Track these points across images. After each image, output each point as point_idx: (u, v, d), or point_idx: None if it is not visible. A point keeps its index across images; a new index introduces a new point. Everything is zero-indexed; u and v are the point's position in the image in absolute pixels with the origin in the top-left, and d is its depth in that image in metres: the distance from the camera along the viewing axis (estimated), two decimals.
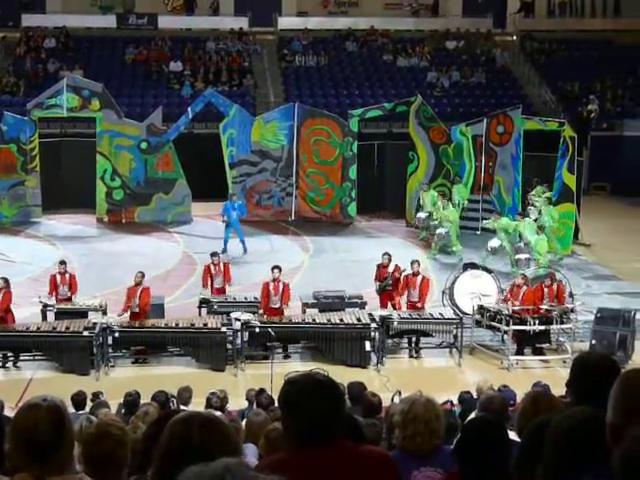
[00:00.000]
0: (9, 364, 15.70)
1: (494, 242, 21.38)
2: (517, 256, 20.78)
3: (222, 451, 2.47)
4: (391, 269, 17.47)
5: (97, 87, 26.11)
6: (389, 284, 17.40)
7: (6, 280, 15.98)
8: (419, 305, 16.77)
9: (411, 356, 16.58)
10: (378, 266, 17.80)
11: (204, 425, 2.73)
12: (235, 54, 34.71)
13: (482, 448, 3.68)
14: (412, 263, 17.19)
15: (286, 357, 16.15)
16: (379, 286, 17.58)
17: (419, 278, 16.91)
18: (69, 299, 16.85)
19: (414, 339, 16.65)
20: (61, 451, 3.02)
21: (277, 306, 16.39)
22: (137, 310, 16.06)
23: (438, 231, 22.80)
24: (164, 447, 2.68)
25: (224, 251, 21.98)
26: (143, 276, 16.33)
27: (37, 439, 2.97)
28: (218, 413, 3.97)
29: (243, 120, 26.30)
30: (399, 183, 26.29)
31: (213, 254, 17.93)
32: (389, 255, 17.86)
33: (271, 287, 16.43)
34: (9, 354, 15.71)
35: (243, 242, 22.84)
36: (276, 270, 16.56)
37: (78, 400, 11.03)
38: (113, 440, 3.74)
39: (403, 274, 17.19)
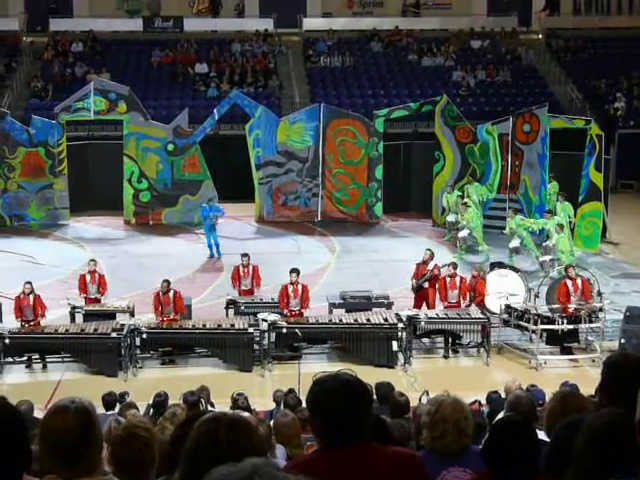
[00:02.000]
0: (35, 366, 15.78)
1: (514, 242, 21.36)
2: (542, 259, 20.73)
3: (249, 452, 2.47)
4: (431, 266, 17.47)
5: (124, 90, 26.25)
6: (427, 279, 17.37)
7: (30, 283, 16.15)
8: (457, 306, 16.75)
9: (445, 356, 16.51)
10: (417, 264, 17.78)
11: (231, 426, 2.73)
12: (260, 55, 34.78)
13: (511, 448, 3.65)
14: (449, 265, 17.18)
15: (299, 357, 16.06)
16: (416, 283, 17.54)
17: (457, 279, 16.89)
18: (98, 300, 16.97)
19: (450, 339, 16.59)
20: (90, 453, 3.02)
21: (297, 309, 16.38)
22: (172, 316, 16.13)
23: (460, 235, 22.72)
24: (191, 447, 2.69)
25: (212, 256, 22.58)
26: (169, 284, 16.38)
27: (66, 441, 2.98)
28: (245, 414, 3.97)
29: (269, 121, 26.35)
30: (425, 183, 26.24)
31: (243, 255, 17.95)
32: (431, 251, 17.88)
33: (290, 290, 16.41)
34: (37, 356, 15.81)
35: (210, 247, 22.84)
36: (294, 274, 16.55)
37: (109, 401, 11.08)
38: (140, 442, 3.75)
39: (441, 275, 17.19)
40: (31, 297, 15.92)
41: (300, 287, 16.44)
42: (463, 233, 22.70)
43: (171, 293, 16.21)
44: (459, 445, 4.26)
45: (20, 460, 2.64)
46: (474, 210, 23.00)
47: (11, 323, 16.03)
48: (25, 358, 15.74)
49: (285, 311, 16.31)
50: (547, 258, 20.56)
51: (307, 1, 38.14)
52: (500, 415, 8.62)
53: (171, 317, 16.06)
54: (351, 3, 38.93)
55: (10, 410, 2.68)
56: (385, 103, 30.72)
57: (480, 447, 4.05)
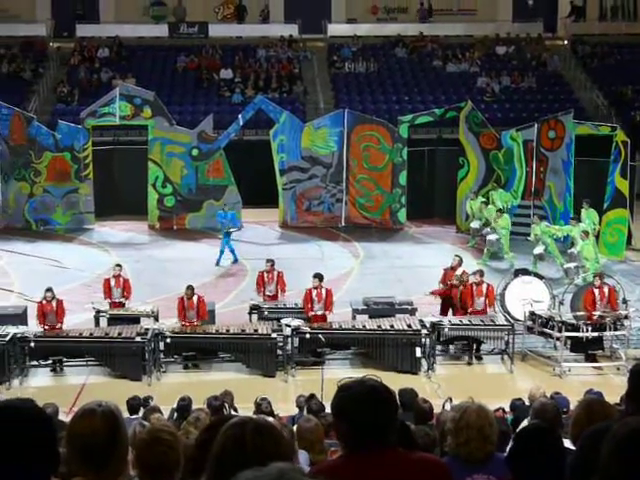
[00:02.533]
0: (57, 368, 15.90)
1: (538, 249, 21.30)
2: (566, 265, 20.66)
3: (275, 456, 2.48)
4: (459, 272, 17.44)
5: (149, 95, 26.39)
6: (456, 283, 17.33)
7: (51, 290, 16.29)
8: (483, 313, 16.71)
9: (469, 363, 16.46)
10: (445, 270, 17.77)
11: (258, 430, 2.73)
12: (285, 61, 34.85)
13: (536, 456, 3.64)
14: (475, 273, 17.14)
15: (322, 363, 16.08)
16: (444, 286, 17.51)
17: (484, 286, 16.83)
18: (122, 304, 17.06)
19: (474, 345, 16.55)
20: (116, 456, 3.04)
21: (320, 313, 16.39)
22: (195, 321, 16.20)
23: (489, 237, 22.68)
24: (217, 452, 2.69)
25: (235, 261, 22.51)
26: (193, 290, 16.45)
27: (92, 444, 3.00)
28: (270, 419, 3.98)
29: (293, 126, 26.40)
30: (449, 189, 26.19)
31: (268, 261, 17.97)
32: (460, 257, 17.88)
33: (314, 294, 16.42)
34: (62, 359, 15.91)
35: (222, 252, 22.56)
36: (316, 279, 16.55)
37: (133, 405, 11.12)
38: (165, 445, 3.76)
39: (469, 282, 17.16)
40: (54, 303, 16.05)
41: (324, 291, 16.46)
42: (492, 237, 22.64)
43: (195, 298, 16.28)
44: (483, 452, 4.24)
45: (49, 462, 2.66)
46: (507, 217, 22.99)
47: (36, 327, 16.14)
48: (50, 361, 15.83)
49: (310, 314, 16.35)
50: (572, 265, 20.46)
51: (332, 7, 38.19)
52: (524, 423, 8.59)
53: (194, 322, 16.13)
54: (376, 9, 38.94)
55: (39, 412, 2.71)
56: (409, 109, 30.70)
57: (505, 454, 4.04)
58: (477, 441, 4.23)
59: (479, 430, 4.25)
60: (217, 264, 22.30)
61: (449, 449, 4.39)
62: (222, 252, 22.49)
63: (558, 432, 4.18)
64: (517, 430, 5.39)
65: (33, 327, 16.09)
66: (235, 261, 22.61)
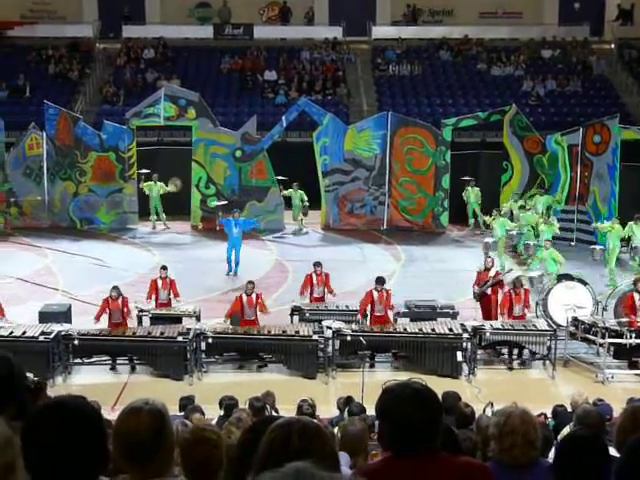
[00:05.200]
0: (103, 368, 16.06)
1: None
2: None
3: (320, 457, 2.48)
4: (492, 273, 17.38)
5: (193, 96, 26.56)
6: (491, 286, 17.25)
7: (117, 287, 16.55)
8: (522, 319, 16.63)
9: (510, 368, 16.36)
10: (478, 272, 17.74)
11: (304, 431, 2.74)
12: (329, 63, 34.87)
13: (582, 464, 3.61)
14: (515, 280, 17.06)
15: (375, 366, 16.14)
16: (479, 290, 17.45)
17: (522, 292, 16.73)
18: (169, 304, 17.21)
19: (516, 350, 16.44)
20: (161, 454, 3.06)
21: (381, 314, 16.40)
22: (253, 318, 16.37)
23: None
24: (263, 452, 2.70)
25: (230, 272, 21.68)
26: (254, 285, 16.63)
27: (138, 442, 3.03)
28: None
29: (336, 129, 26.42)
30: (492, 193, 26.05)
31: (316, 264, 18.00)
32: (492, 258, 17.82)
33: (375, 296, 16.43)
34: (107, 358, 16.07)
35: (237, 263, 21.82)
36: (379, 286, 16.53)
37: (186, 405, 11.14)
38: (209, 444, 3.79)
39: (505, 288, 17.09)
40: (119, 301, 16.26)
41: (385, 293, 16.47)
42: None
43: (254, 295, 16.40)
44: (528, 457, 4.21)
45: (99, 460, 2.69)
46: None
47: (80, 324, 16.33)
48: (93, 359, 16.00)
49: (360, 317, 16.40)
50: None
51: (376, 9, 38.15)
52: (566, 429, 8.52)
53: (252, 319, 16.33)
54: (420, 12, 38.82)
55: (91, 409, 2.74)
56: (453, 112, 30.55)
57: (548, 460, 4.00)
58: (521, 446, 4.20)
59: (523, 435, 4.22)
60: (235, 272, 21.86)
61: (493, 454, 4.36)
62: (237, 262, 21.91)
63: (604, 440, 4.13)
64: (562, 437, 5.33)
65: (77, 325, 16.27)
66: (229, 272, 21.78)
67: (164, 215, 26.59)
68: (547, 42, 36.50)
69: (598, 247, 21.99)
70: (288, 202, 26.24)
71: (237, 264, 21.85)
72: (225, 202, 25.11)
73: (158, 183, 26.16)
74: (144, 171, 26.06)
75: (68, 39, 35.44)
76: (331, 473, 2.14)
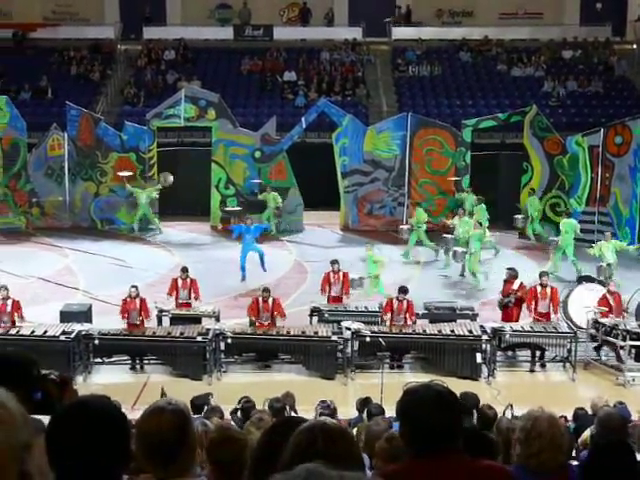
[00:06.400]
0: (122, 367, 16.15)
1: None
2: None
3: (345, 461, 2.47)
4: (516, 286, 17.23)
5: (213, 97, 26.64)
6: (511, 302, 17.16)
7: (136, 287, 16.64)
8: (546, 317, 16.56)
9: (531, 370, 16.31)
10: (504, 281, 17.59)
11: (329, 434, 2.74)
12: (348, 64, 34.87)
13: (611, 470, 3.59)
14: (541, 276, 16.99)
15: (396, 367, 16.13)
16: (501, 302, 17.37)
17: (548, 290, 16.67)
18: (189, 304, 17.26)
19: (537, 353, 16.39)
20: (184, 454, 3.07)
21: (401, 324, 16.33)
22: (268, 322, 16.39)
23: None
24: (288, 455, 2.69)
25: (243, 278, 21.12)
26: (270, 292, 16.63)
27: (161, 441, 3.04)
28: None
29: (356, 130, 26.42)
30: (512, 194, 25.97)
31: (333, 262, 17.99)
32: (511, 270, 17.62)
33: (395, 305, 16.39)
34: (126, 358, 16.16)
35: (243, 269, 21.19)
36: (401, 295, 16.45)
37: (198, 405, 11.18)
38: (238, 444, 3.80)
39: (529, 287, 17.01)
40: (137, 301, 16.33)
41: (405, 303, 16.40)
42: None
43: (270, 300, 16.43)
44: (556, 462, 4.17)
45: (122, 460, 2.71)
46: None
47: (101, 324, 16.43)
48: (113, 359, 16.10)
49: (386, 319, 16.41)
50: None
51: (396, 11, 38.11)
52: (587, 432, 8.50)
53: (266, 323, 16.33)
54: (440, 12, 38.77)
55: (115, 409, 2.76)
56: (473, 113, 30.45)
57: (574, 464, 3.98)
58: (549, 451, 4.17)
59: (551, 439, 4.18)
60: (264, 270, 21.68)
61: (518, 458, 4.32)
62: (261, 258, 21.67)
63: (630, 445, 4.09)
64: (582, 441, 5.31)
65: (98, 325, 16.37)
66: (243, 278, 21.22)
67: (156, 220, 26.23)
68: (568, 42, 36.33)
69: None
70: (264, 205, 26.03)
71: (243, 269, 21.22)
72: (239, 208, 25.11)
73: (146, 189, 25.97)
74: (126, 173, 25.95)
75: (90, 41, 35.63)
76: (341, 472, 2.14)
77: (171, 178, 26.22)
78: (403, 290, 16.59)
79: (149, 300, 16.94)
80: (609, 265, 19.51)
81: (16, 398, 2.26)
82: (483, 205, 24.05)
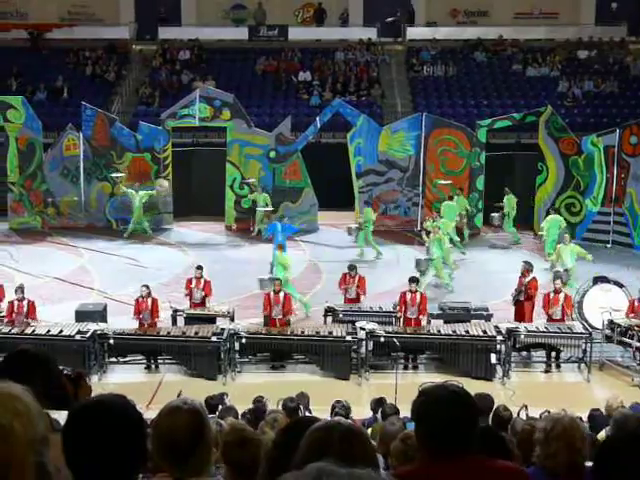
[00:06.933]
0: (137, 367, 16.20)
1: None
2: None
3: (361, 461, 2.47)
4: (528, 280, 17.25)
5: (228, 97, 26.67)
6: (520, 297, 17.14)
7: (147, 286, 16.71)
8: (561, 321, 16.51)
9: (546, 370, 16.27)
10: (519, 276, 17.62)
11: (345, 435, 2.73)
12: (363, 64, 34.86)
13: (627, 469, 3.57)
14: (554, 280, 16.94)
15: (411, 367, 16.13)
16: (514, 295, 17.38)
17: (561, 295, 16.61)
18: (202, 303, 17.30)
19: (553, 354, 16.34)
20: (200, 453, 3.08)
21: (414, 317, 16.37)
22: (280, 317, 16.44)
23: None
24: (303, 455, 2.69)
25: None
26: (281, 282, 16.62)
27: (177, 441, 3.05)
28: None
29: (370, 130, 26.41)
30: (527, 194, 25.91)
31: (350, 267, 18.05)
32: (526, 264, 17.65)
33: (408, 298, 16.43)
34: (141, 357, 16.21)
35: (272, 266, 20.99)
36: (413, 284, 16.54)
37: (212, 404, 11.20)
38: (254, 445, 3.81)
39: (545, 291, 16.98)
40: (149, 300, 16.39)
41: (418, 296, 16.43)
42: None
43: (281, 294, 16.46)
44: (572, 464, 4.16)
45: (138, 459, 2.72)
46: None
47: (116, 324, 16.48)
48: (128, 358, 16.15)
49: (399, 314, 16.45)
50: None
51: (398, 11, 38.04)
52: (602, 433, 8.46)
53: (278, 318, 16.41)
54: (456, 12, 38.70)
55: (132, 408, 2.77)
56: (488, 113, 30.39)
57: (590, 464, 3.96)
58: (566, 453, 4.16)
59: (569, 442, 4.18)
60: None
61: (537, 459, 4.31)
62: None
63: None
64: (603, 443, 5.25)
65: (113, 324, 16.43)
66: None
67: (147, 223, 25.94)
68: (583, 42, 36.21)
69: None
70: (254, 205, 26.02)
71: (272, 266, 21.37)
72: (271, 209, 25.15)
73: (140, 192, 25.89)
74: (118, 175, 25.96)
75: (105, 41, 35.74)
76: (350, 470, 2.14)
77: (166, 184, 26.27)
78: (413, 280, 16.61)
79: (163, 300, 16.98)
80: (566, 271, 19.33)
81: (33, 393, 2.28)
82: (449, 202, 24.53)
